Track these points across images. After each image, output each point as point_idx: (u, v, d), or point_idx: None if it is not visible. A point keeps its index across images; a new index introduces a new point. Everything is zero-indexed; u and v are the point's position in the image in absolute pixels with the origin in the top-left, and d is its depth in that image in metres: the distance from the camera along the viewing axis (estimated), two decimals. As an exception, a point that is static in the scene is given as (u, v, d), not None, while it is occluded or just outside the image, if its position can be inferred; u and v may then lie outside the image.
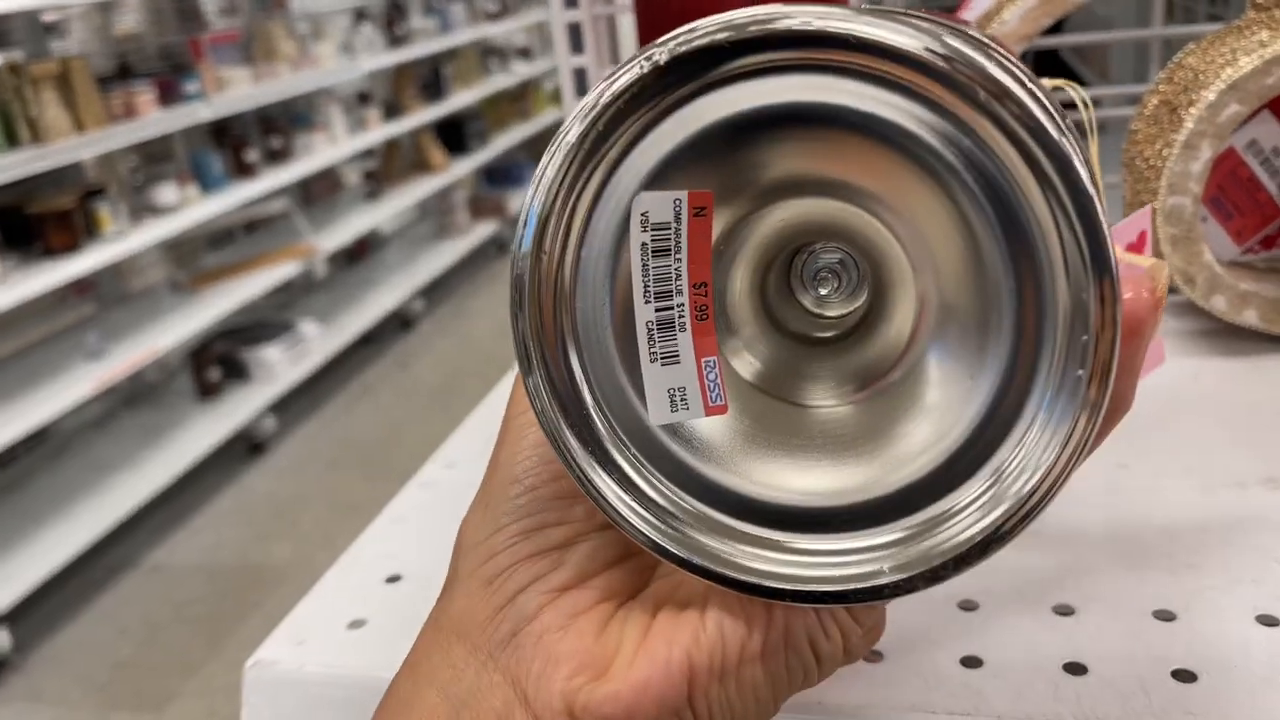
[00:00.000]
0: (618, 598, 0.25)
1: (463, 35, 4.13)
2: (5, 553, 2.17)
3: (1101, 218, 0.20)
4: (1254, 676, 0.32)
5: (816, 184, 0.24)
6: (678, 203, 0.23)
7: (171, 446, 2.59)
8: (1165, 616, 0.35)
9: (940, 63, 0.20)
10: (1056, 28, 1.07)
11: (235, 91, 2.89)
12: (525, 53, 4.75)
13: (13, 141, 2.21)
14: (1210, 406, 0.48)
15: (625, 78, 0.21)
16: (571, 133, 0.22)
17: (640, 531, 0.23)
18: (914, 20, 0.21)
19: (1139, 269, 0.24)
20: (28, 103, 2.23)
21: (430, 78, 4.01)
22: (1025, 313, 0.22)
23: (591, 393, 0.23)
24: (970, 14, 0.57)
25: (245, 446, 2.80)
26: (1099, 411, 0.21)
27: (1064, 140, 0.20)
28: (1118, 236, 0.25)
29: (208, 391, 2.82)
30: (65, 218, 2.33)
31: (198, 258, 3.14)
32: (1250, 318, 0.51)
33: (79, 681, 2.00)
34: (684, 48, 0.21)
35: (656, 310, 0.23)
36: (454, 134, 4.15)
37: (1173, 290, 0.52)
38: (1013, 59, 0.22)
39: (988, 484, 0.23)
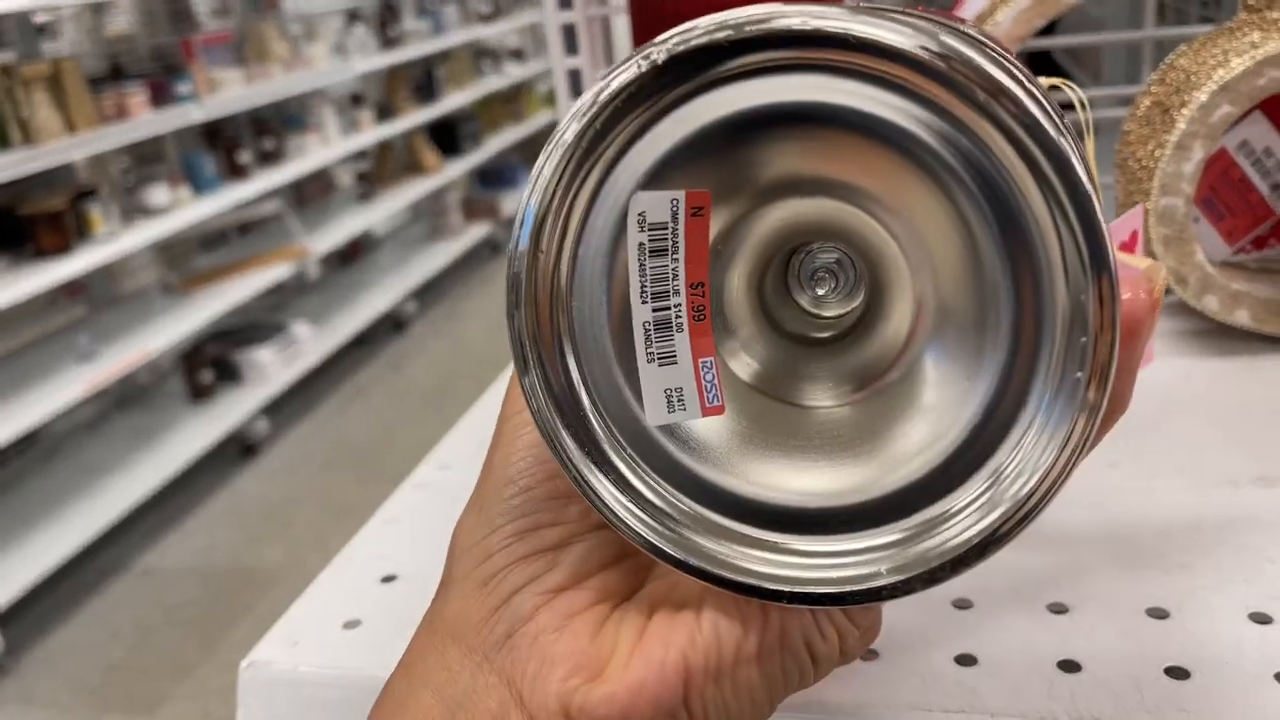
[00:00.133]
0: (613, 599, 0.25)
1: (455, 37, 4.13)
2: (-4, 555, 2.16)
3: (1100, 218, 0.20)
4: (1246, 674, 0.32)
5: (814, 183, 0.24)
6: (675, 202, 0.23)
7: (163, 449, 2.58)
8: (1158, 614, 0.35)
9: (938, 62, 0.20)
10: (1049, 29, 1.08)
11: (227, 93, 2.88)
12: (518, 54, 4.75)
13: (4, 142, 2.20)
14: (1202, 406, 0.49)
15: (623, 77, 0.21)
16: (568, 131, 0.22)
17: (637, 533, 0.23)
18: (911, 19, 0.21)
19: (1136, 270, 0.24)
20: (19, 104, 2.22)
21: (423, 79, 4.00)
22: (1023, 314, 0.22)
23: (588, 393, 0.23)
24: (964, 15, 0.58)
25: (237, 449, 2.79)
26: (1097, 413, 0.21)
27: (1062, 139, 0.20)
28: (1111, 236, 0.25)
29: (200, 393, 2.81)
30: (56, 219, 2.32)
31: (190, 259, 3.13)
32: (1242, 318, 0.52)
33: (70, 684, 1.99)
34: (682, 47, 0.21)
35: (654, 310, 0.23)
36: (447, 136, 4.14)
37: (1165, 290, 0.53)
38: (1010, 58, 0.22)
39: (985, 486, 0.23)
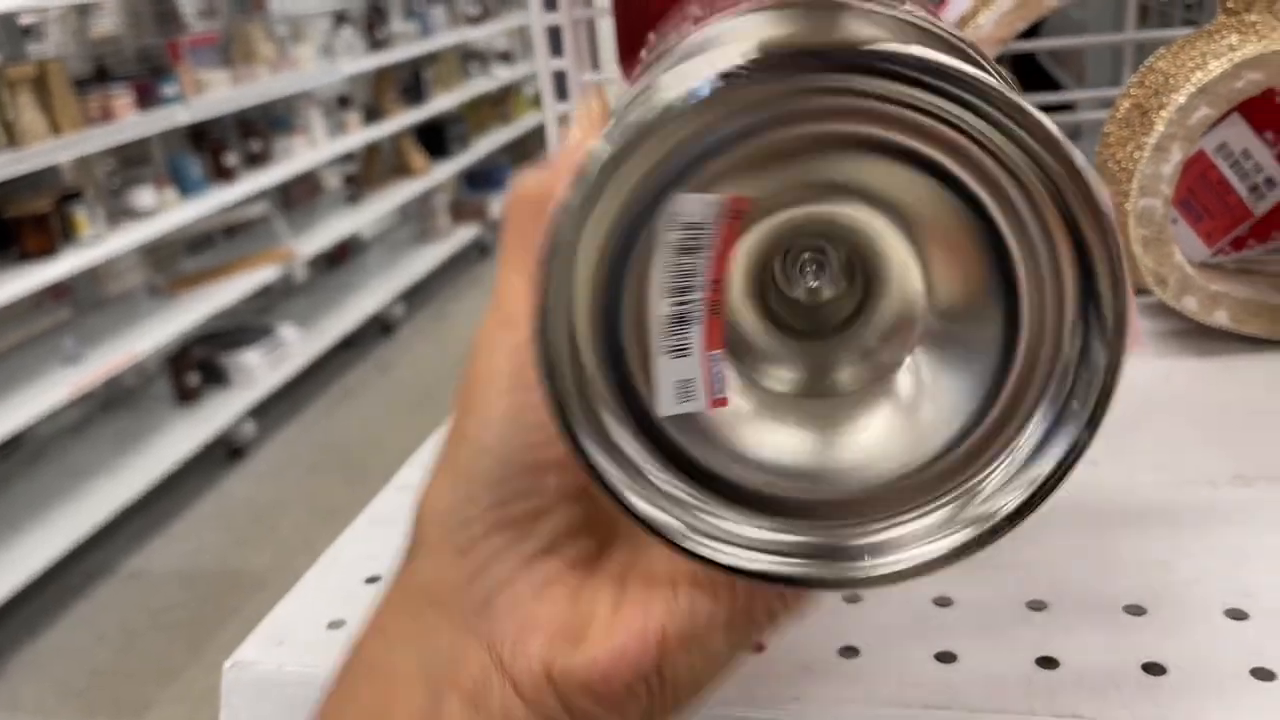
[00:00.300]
0: (583, 566, 0.25)
1: (443, 39, 4.13)
2: (-19, 559, 2.15)
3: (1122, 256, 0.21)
4: (1222, 670, 0.33)
5: (833, 188, 0.24)
6: (716, 206, 0.23)
7: (150, 452, 2.58)
8: (1136, 611, 0.36)
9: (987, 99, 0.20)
10: (1033, 32, 1.09)
11: (214, 94, 2.87)
12: (506, 57, 4.75)
13: (-11, 145, 2.19)
14: (1182, 406, 0.49)
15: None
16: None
17: (651, 520, 0.24)
18: (905, 15, 0.21)
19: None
20: (4, 106, 2.21)
21: (411, 81, 4.00)
22: (1018, 337, 0.22)
23: (601, 379, 0.23)
24: (947, 18, 0.58)
25: (224, 451, 2.78)
26: (1091, 432, 0.22)
27: (1085, 166, 0.20)
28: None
29: (186, 396, 2.81)
30: (41, 221, 2.31)
31: (176, 262, 3.12)
32: (1221, 318, 0.52)
33: (57, 688, 1.98)
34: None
35: (673, 305, 0.23)
36: (435, 138, 4.14)
37: (1144, 291, 0.53)
38: (993, 66, 0.22)
39: (957, 499, 0.23)
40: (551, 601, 0.24)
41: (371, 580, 0.43)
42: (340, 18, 3.73)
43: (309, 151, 3.32)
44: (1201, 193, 0.55)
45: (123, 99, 2.54)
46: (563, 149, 0.27)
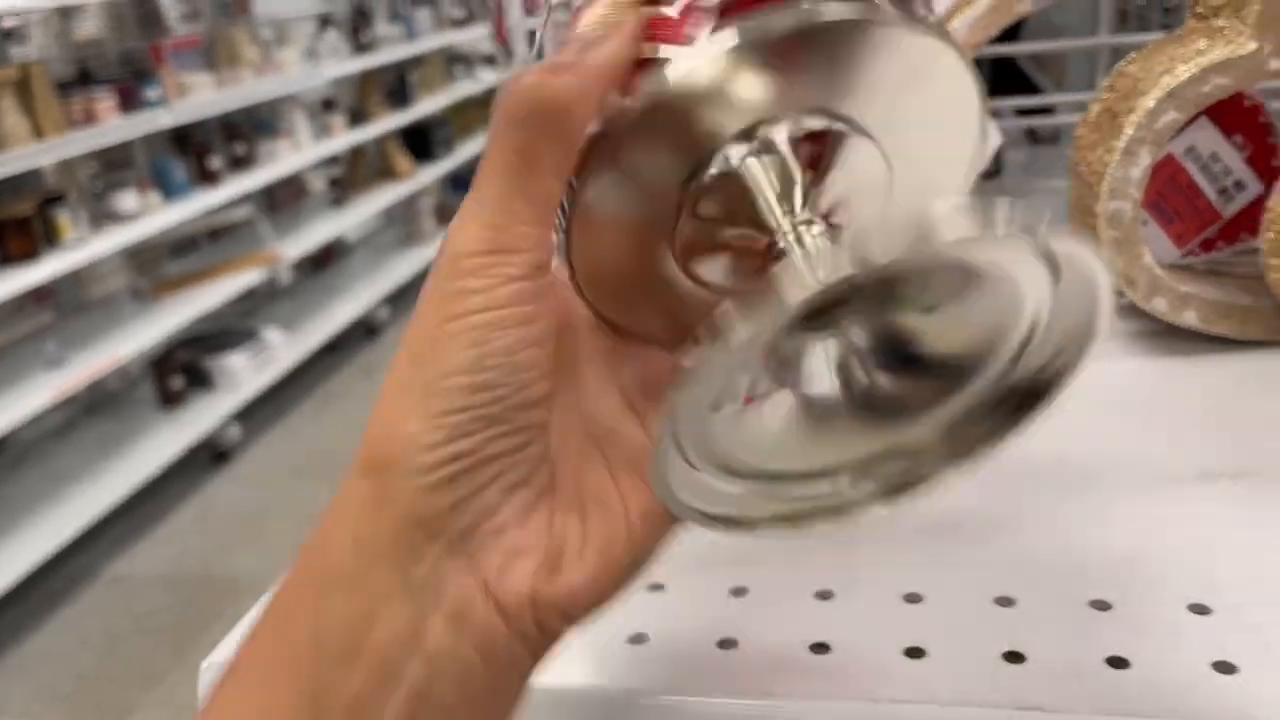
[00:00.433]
0: (548, 495, 0.27)
1: (428, 42, 4.12)
2: (-37, 565, 2.14)
3: None
4: (1184, 662, 0.33)
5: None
6: None
7: (133, 456, 2.57)
8: (1101, 606, 0.36)
9: None
10: (1013, 36, 1.09)
11: (197, 98, 2.87)
12: (491, 60, 4.75)
13: (-30, 148, 2.18)
14: (1151, 404, 0.50)
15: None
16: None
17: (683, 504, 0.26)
18: None
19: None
20: (-15, 108, 2.20)
21: (396, 84, 4.00)
22: None
23: None
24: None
25: (209, 455, 2.77)
26: None
27: None
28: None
29: (170, 400, 2.80)
30: (24, 225, 2.30)
31: (160, 265, 3.11)
32: (1190, 318, 0.53)
33: (41, 693, 1.97)
34: None
35: None
36: (420, 141, 4.14)
37: (1116, 293, 0.54)
38: None
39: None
40: (534, 531, 0.26)
41: (350, 580, 0.43)
42: (325, 21, 3.73)
43: (293, 155, 3.31)
44: (1171, 195, 0.56)
45: (105, 102, 2.53)
46: (571, 38, 0.26)
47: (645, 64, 0.26)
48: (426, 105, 4.10)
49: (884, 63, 0.26)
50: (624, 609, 0.38)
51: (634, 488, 0.28)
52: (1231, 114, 0.55)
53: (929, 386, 0.28)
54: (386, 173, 3.99)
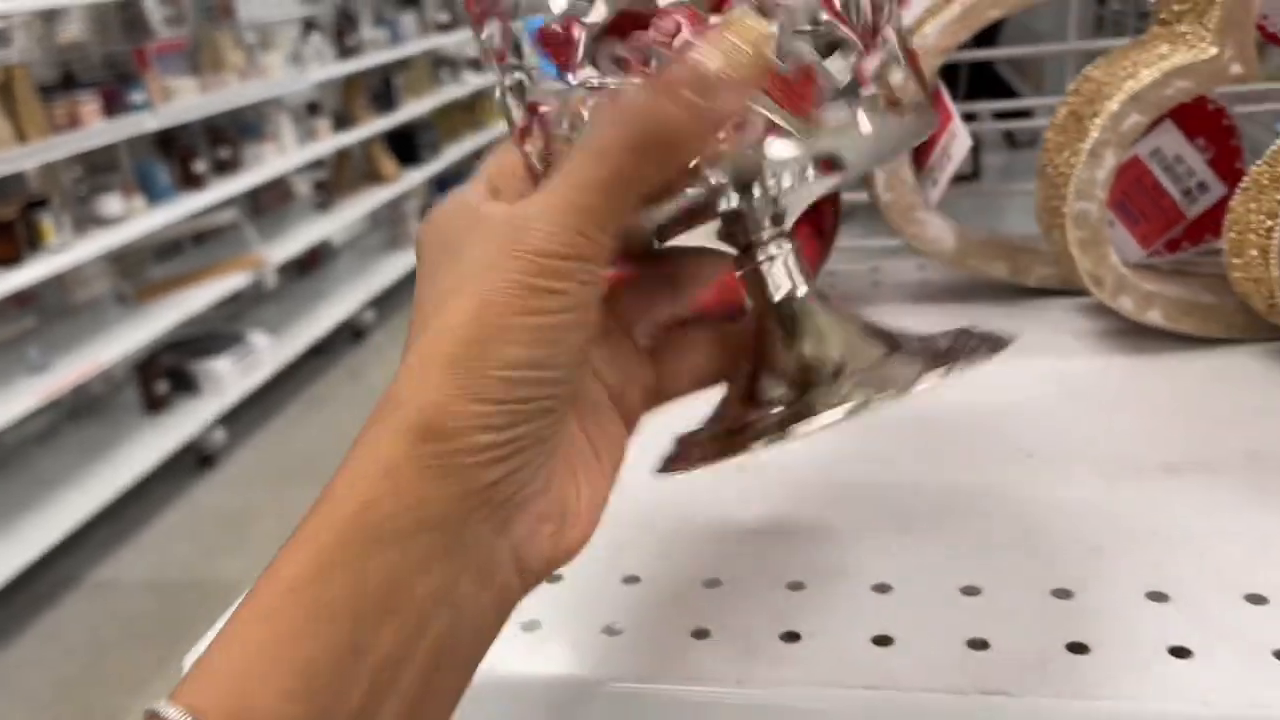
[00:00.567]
0: (565, 463, 0.29)
1: (414, 46, 4.13)
2: (-55, 570, 2.13)
3: None
4: (1143, 649, 0.34)
5: None
6: None
7: (117, 460, 2.56)
8: (1063, 595, 0.37)
9: None
10: (991, 41, 1.11)
11: (182, 101, 2.86)
12: (476, 63, 4.75)
13: (-48, 152, 2.18)
14: (1117, 400, 0.51)
15: None
16: None
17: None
18: None
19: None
20: (-32, 112, 2.20)
21: (381, 88, 4.00)
22: None
23: None
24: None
25: (194, 459, 2.77)
26: None
27: None
28: None
29: (155, 404, 2.79)
30: (7, 229, 2.30)
31: (144, 269, 3.10)
32: (1155, 317, 0.54)
33: (24, 701, 1.96)
34: None
35: None
36: (405, 144, 4.14)
37: (1083, 292, 0.55)
38: None
39: None
40: (554, 498, 0.28)
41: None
42: (309, 25, 3.73)
43: (278, 158, 3.31)
44: (1137, 197, 0.57)
45: (89, 106, 2.52)
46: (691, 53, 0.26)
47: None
48: (412, 109, 4.10)
49: None
50: (599, 601, 0.39)
51: (607, 442, 0.30)
52: (1195, 118, 0.57)
53: None
54: (372, 176, 3.98)
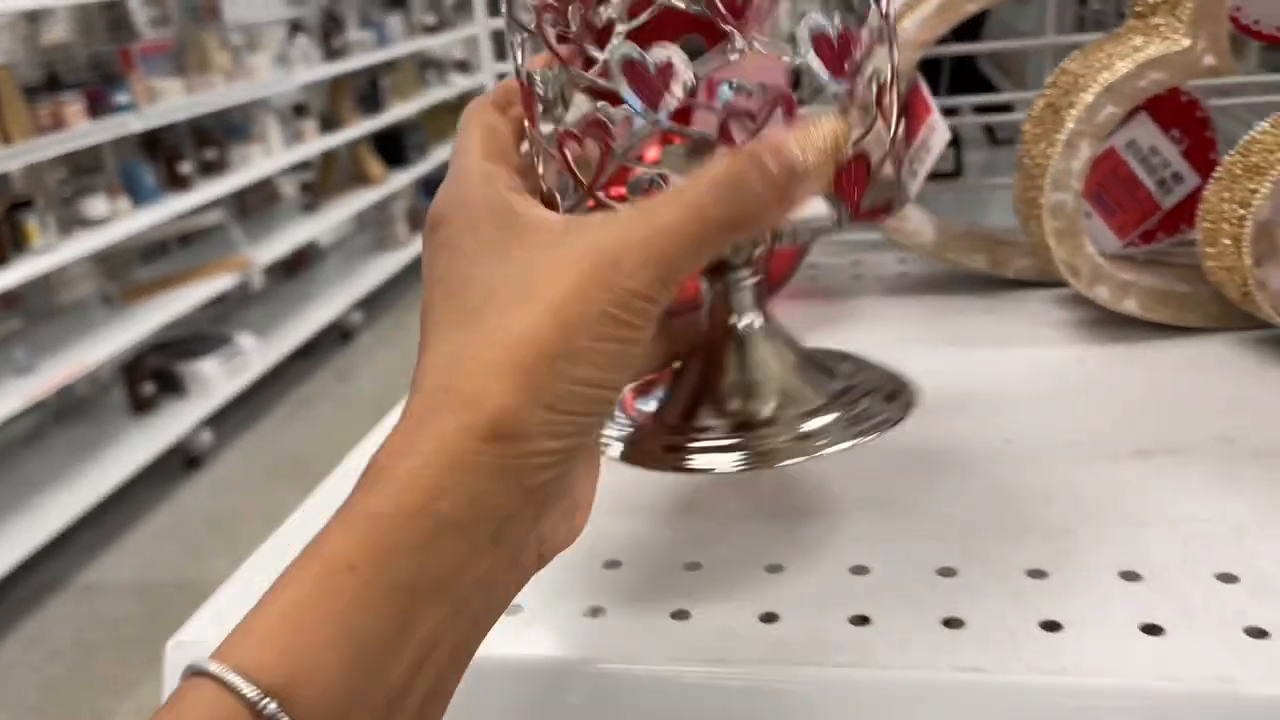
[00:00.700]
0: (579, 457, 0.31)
1: (400, 48, 4.12)
2: (-70, 573, 2.12)
3: None
4: (1114, 626, 0.35)
5: None
6: None
7: (104, 462, 2.55)
8: (1038, 575, 0.38)
9: None
10: (974, 36, 1.12)
11: (167, 102, 2.85)
12: (463, 65, 4.75)
13: (-64, 153, 2.16)
14: (1092, 387, 0.52)
15: None
16: None
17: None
18: None
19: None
20: (-48, 113, 2.19)
21: (368, 90, 3.99)
22: None
23: None
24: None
25: (181, 461, 2.76)
26: None
27: None
28: None
29: (141, 406, 2.78)
30: (-9, 230, 2.29)
31: (130, 270, 3.09)
32: (1130, 306, 0.55)
33: (9, 703, 1.95)
34: None
35: None
36: (392, 146, 4.13)
37: (1061, 283, 0.56)
38: None
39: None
40: (578, 493, 0.32)
41: (316, 563, 0.44)
42: (295, 26, 3.72)
43: (265, 160, 3.30)
44: (1113, 188, 0.58)
45: (74, 106, 2.52)
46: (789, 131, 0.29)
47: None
48: (398, 110, 4.10)
49: None
50: (582, 585, 0.40)
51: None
52: (1170, 109, 0.57)
53: None
54: (359, 178, 3.98)
